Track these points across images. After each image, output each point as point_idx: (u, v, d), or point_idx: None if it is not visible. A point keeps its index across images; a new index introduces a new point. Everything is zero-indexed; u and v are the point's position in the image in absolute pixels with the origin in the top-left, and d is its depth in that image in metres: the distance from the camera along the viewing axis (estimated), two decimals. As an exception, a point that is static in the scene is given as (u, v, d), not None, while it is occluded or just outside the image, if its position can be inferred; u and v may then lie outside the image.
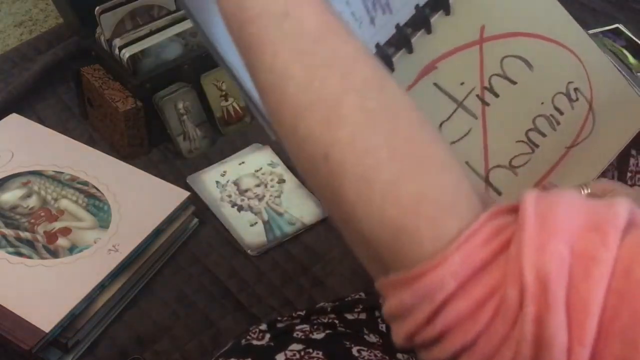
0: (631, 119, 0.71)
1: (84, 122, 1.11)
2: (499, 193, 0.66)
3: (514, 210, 0.38)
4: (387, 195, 0.38)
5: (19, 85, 1.10)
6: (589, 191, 0.66)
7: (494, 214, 0.38)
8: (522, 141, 0.67)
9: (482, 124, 0.66)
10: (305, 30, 0.42)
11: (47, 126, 1.04)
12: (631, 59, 0.99)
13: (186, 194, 0.94)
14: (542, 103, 0.67)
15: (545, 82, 0.68)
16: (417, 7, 0.64)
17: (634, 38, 1.06)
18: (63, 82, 1.15)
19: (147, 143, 1.06)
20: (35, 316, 0.77)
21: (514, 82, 0.67)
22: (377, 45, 0.64)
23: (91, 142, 1.06)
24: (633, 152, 0.69)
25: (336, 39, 0.42)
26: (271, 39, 0.42)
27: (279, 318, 0.72)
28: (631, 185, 0.71)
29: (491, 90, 0.66)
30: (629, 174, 0.71)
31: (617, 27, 1.09)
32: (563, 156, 0.68)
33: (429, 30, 0.66)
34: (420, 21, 0.65)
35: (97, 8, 1.03)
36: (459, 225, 0.37)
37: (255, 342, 0.68)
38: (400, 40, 0.64)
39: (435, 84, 0.66)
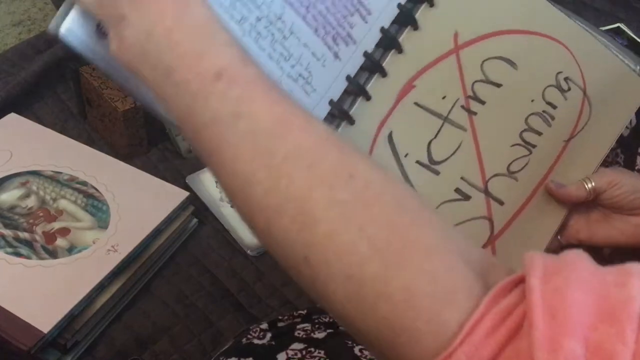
0: (629, 97, 0.68)
1: (83, 121, 1.10)
2: (501, 203, 0.64)
3: (518, 282, 0.35)
4: (376, 293, 0.36)
5: (18, 85, 1.10)
6: (593, 184, 0.65)
7: (496, 296, 0.35)
8: (518, 144, 0.64)
9: (472, 135, 0.63)
10: (261, 128, 0.40)
11: (45, 126, 1.04)
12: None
13: (185, 194, 0.93)
14: (533, 100, 0.65)
15: (532, 78, 0.65)
16: (382, 29, 0.62)
17: (635, 37, 1.06)
18: (62, 82, 1.15)
19: (146, 143, 1.05)
20: (33, 317, 0.76)
21: (499, 85, 0.64)
22: (348, 78, 0.61)
23: (90, 141, 1.06)
24: None
25: (294, 131, 0.40)
26: (228, 143, 0.40)
27: (279, 317, 0.71)
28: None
29: (476, 98, 0.63)
30: (635, 173, 0.70)
31: (619, 27, 1.09)
32: (562, 150, 0.66)
33: (399, 50, 0.62)
34: (388, 43, 0.62)
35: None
36: (459, 317, 0.34)
37: (256, 341, 0.68)
38: (372, 67, 0.62)
39: (416, 104, 0.63)
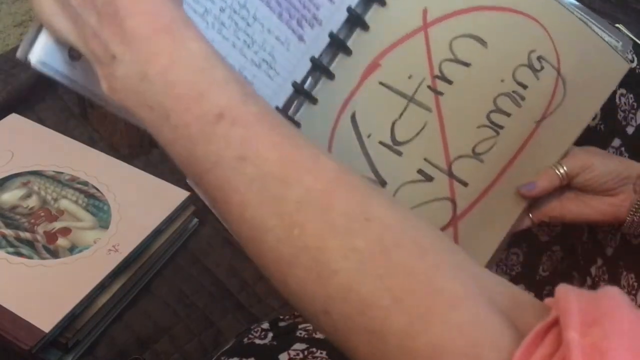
0: (608, 75, 0.65)
1: (84, 122, 1.10)
2: (465, 184, 0.63)
3: (550, 326, 0.32)
4: (401, 349, 0.34)
5: (19, 86, 1.10)
6: (565, 169, 0.63)
7: (528, 348, 0.32)
8: (485, 125, 0.62)
9: (438, 115, 0.62)
10: (268, 172, 0.37)
11: (47, 126, 1.04)
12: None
13: (186, 193, 0.94)
14: (502, 80, 0.62)
15: (502, 57, 0.62)
16: (349, 9, 0.60)
17: (635, 38, 1.06)
18: (63, 82, 1.15)
19: (147, 143, 1.06)
20: (35, 316, 0.77)
21: (467, 64, 0.61)
22: (312, 59, 0.60)
23: (91, 142, 1.06)
24: (624, 271, 0.67)
25: (303, 175, 0.37)
26: (235, 188, 0.37)
27: (281, 317, 0.71)
28: (604, 246, 0.67)
29: (443, 78, 0.61)
30: (601, 234, 0.68)
31: (618, 28, 1.09)
32: (533, 132, 0.63)
33: (365, 28, 0.60)
34: (354, 21, 0.60)
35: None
36: None
37: (257, 341, 0.68)
38: (336, 46, 0.60)
39: (381, 83, 0.61)
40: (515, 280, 0.75)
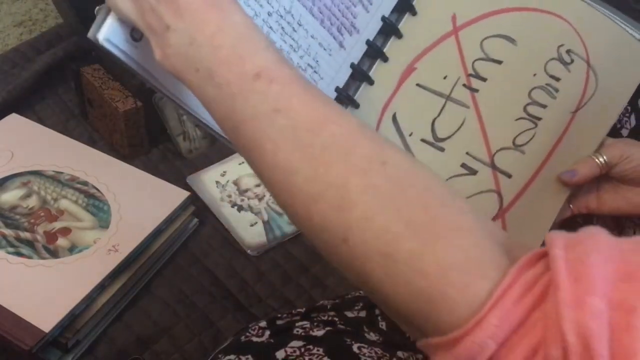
0: (635, 65, 0.68)
1: (84, 122, 1.11)
2: (509, 176, 0.65)
3: (541, 256, 0.37)
4: (412, 268, 0.38)
5: (19, 85, 1.10)
6: (605, 158, 0.65)
7: (522, 268, 0.37)
8: (522, 118, 0.65)
9: (475, 111, 0.65)
10: (299, 123, 0.42)
11: (47, 126, 1.04)
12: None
13: (186, 193, 0.94)
14: (535, 75, 0.65)
15: (532, 53, 0.66)
16: (383, 18, 0.65)
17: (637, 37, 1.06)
18: (63, 82, 1.15)
19: (147, 143, 1.06)
20: (35, 316, 0.77)
21: (500, 62, 0.65)
22: (352, 65, 0.64)
23: (91, 142, 1.06)
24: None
25: (330, 124, 0.43)
26: (268, 137, 0.43)
27: (278, 315, 0.71)
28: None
29: (477, 76, 0.65)
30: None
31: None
32: (570, 122, 0.66)
33: (399, 36, 0.66)
34: (388, 30, 0.65)
35: (97, 8, 1.02)
36: (489, 286, 0.37)
37: (255, 339, 0.68)
38: (374, 53, 0.65)
39: (418, 85, 0.65)
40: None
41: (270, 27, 0.57)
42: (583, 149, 0.66)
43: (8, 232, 0.86)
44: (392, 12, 0.66)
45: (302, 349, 0.63)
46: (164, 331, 0.85)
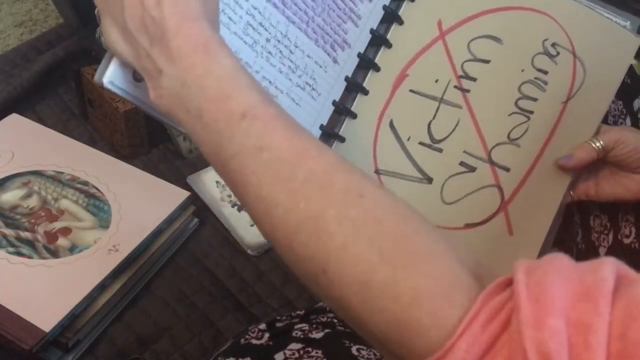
0: (622, 52, 0.70)
1: (84, 122, 1.11)
2: (507, 169, 0.66)
3: (509, 284, 0.39)
4: (386, 295, 0.40)
5: (19, 86, 1.10)
6: (601, 143, 0.66)
7: (490, 294, 0.39)
8: (515, 112, 0.67)
9: (469, 110, 0.67)
10: (282, 157, 0.45)
11: (47, 126, 1.04)
12: (632, 60, 0.99)
13: (186, 193, 0.94)
14: (523, 70, 0.67)
15: (519, 50, 0.68)
16: (372, 31, 0.67)
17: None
18: (63, 82, 1.15)
19: (147, 143, 1.06)
20: (35, 316, 0.77)
21: (487, 61, 0.67)
22: (346, 79, 0.66)
23: (91, 142, 1.06)
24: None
25: (309, 160, 0.45)
26: (252, 172, 0.45)
27: (278, 317, 0.72)
28: (597, 246, 0.70)
29: (467, 76, 0.67)
30: (594, 234, 0.70)
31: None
32: (562, 112, 0.68)
33: (389, 46, 0.68)
34: (378, 41, 0.67)
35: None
36: (459, 313, 0.38)
37: (254, 342, 0.68)
38: (366, 65, 0.67)
39: (411, 91, 0.67)
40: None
41: (269, 52, 0.60)
42: (578, 137, 0.68)
43: (8, 232, 0.87)
44: (380, 23, 0.68)
45: (301, 351, 0.63)
46: (164, 331, 0.85)
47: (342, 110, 0.66)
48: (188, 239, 0.95)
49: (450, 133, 0.67)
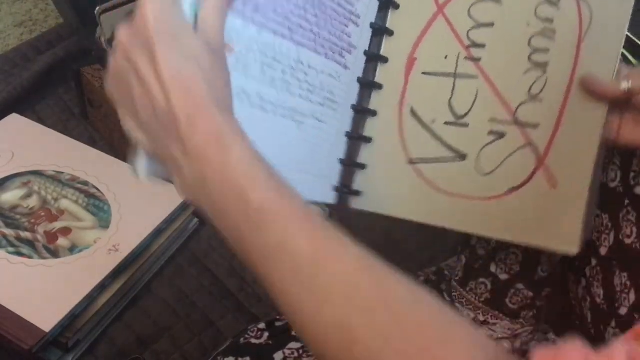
0: None
1: (84, 122, 1.11)
2: (535, 126, 0.66)
3: None
4: None
5: (19, 86, 1.10)
6: (629, 85, 0.64)
7: None
8: (530, 68, 0.66)
9: (484, 78, 0.66)
10: (302, 258, 0.44)
11: (47, 126, 1.04)
12: (631, 59, 0.99)
13: (186, 194, 0.94)
14: (528, 24, 0.66)
15: (519, 5, 0.67)
16: (371, 25, 0.66)
17: (634, 38, 1.06)
18: (63, 82, 1.15)
19: (147, 143, 1.06)
20: (35, 316, 0.77)
21: (491, 24, 0.66)
22: (359, 79, 0.66)
23: (91, 142, 1.06)
24: (617, 271, 0.68)
25: (332, 261, 0.44)
26: (275, 269, 0.44)
27: (277, 317, 0.72)
28: (598, 246, 0.69)
29: (475, 45, 0.66)
30: (595, 234, 0.70)
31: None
32: (577, 57, 0.66)
33: (390, 34, 0.67)
34: (379, 32, 0.67)
35: (98, 8, 1.02)
36: None
37: (253, 341, 0.68)
38: (373, 59, 0.67)
39: (424, 73, 0.67)
40: (514, 279, 0.75)
41: (288, 83, 0.59)
42: (605, 74, 0.66)
43: (8, 232, 0.87)
44: (378, 13, 0.66)
45: (300, 351, 0.63)
46: (164, 331, 0.85)
47: (362, 111, 0.66)
48: (188, 239, 0.95)
49: (472, 106, 0.66)
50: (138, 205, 0.91)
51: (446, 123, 0.66)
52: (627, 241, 0.66)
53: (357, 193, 0.67)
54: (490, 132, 0.66)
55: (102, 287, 0.83)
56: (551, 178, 0.66)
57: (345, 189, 0.67)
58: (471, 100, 0.66)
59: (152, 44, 0.46)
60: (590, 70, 0.66)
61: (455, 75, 0.66)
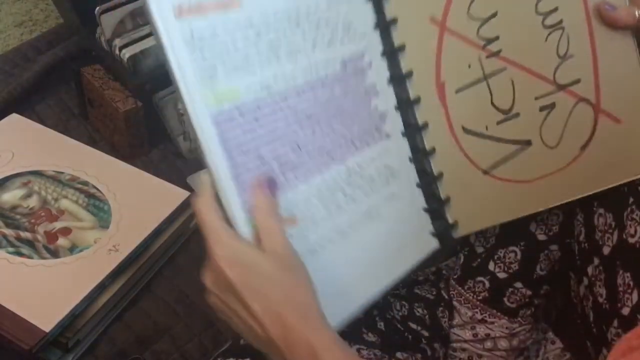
0: None
1: (84, 122, 1.11)
2: (578, 81, 0.67)
3: None
4: None
5: (20, 86, 1.10)
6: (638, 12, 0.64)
7: None
8: (549, 34, 0.67)
9: (513, 65, 0.67)
10: None
11: (47, 126, 1.04)
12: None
13: (186, 193, 0.94)
14: None
15: None
16: (389, 80, 0.66)
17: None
18: (63, 82, 1.15)
19: (148, 143, 1.06)
20: (35, 316, 0.77)
21: (495, 14, 0.67)
22: (403, 133, 0.67)
23: (91, 142, 1.06)
24: (620, 270, 0.69)
25: None
26: None
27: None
28: (601, 245, 0.69)
29: (489, 41, 0.67)
30: (598, 233, 0.70)
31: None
32: (585, 2, 0.66)
33: (410, 75, 0.67)
34: (400, 81, 0.67)
35: (98, 8, 1.03)
36: None
37: (254, 342, 0.68)
38: (408, 106, 0.67)
39: (457, 91, 0.68)
40: (512, 278, 0.75)
41: (352, 197, 0.60)
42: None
43: (8, 232, 0.87)
44: (388, 66, 0.66)
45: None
46: (164, 331, 0.85)
47: (421, 155, 0.68)
48: (188, 239, 0.95)
49: (514, 96, 0.67)
50: (138, 205, 0.91)
51: (498, 123, 0.68)
52: (631, 240, 0.66)
53: (454, 226, 0.70)
54: (542, 108, 0.67)
55: (102, 287, 0.83)
56: (612, 117, 0.66)
57: (442, 229, 0.69)
58: (510, 91, 0.67)
59: (234, 289, 0.51)
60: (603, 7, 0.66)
61: (485, 78, 0.67)
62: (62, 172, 0.95)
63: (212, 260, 0.52)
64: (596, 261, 0.70)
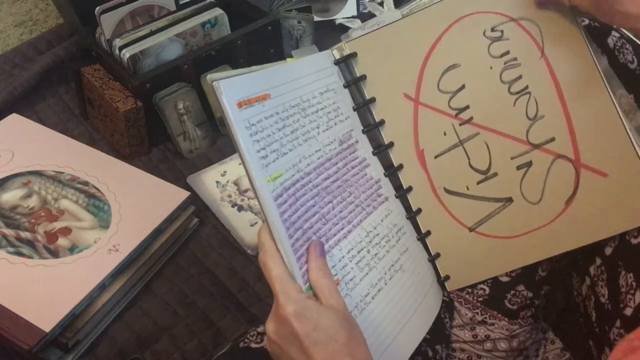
0: None
1: (84, 122, 1.11)
2: (552, 139, 0.69)
3: None
4: None
5: (20, 85, 1.10)
6: None
7: None
8: (516, 99, 0.69)
9: (486, 130, 0.70)
10: None
11: (47, 126, 1.05)
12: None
13: (186, 193, 0.94)
14: (491, 67, 0.69)
15: (474, 58, 0.70)
16: (374, 153, 0.70)
17: (634, 38, 1.06)
18: (63, 82, 1.15)
19: (147, 143, 1.06)
20: (35, 316, 0.77)
21: (462, 87, 0.70)
22: (396, 196, 0.70)
23: (91, 142, 1.06)
24: (622, 271, 0.69)
25: None
26: None
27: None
28: (603, 246, 0.71)
29: (460, 110, 0.70)
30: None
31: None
32: (547, 65, 0.69)
33: (391, 145, 0.71)
34: (383, 151, 0.71)
35: (98, 8, 1.03)
36: None
37: (253, 345, 0.68)
38: (393, 173, 0.71)
39: (436, 157, 0.71)
40: (514, 280, 0.75)
41: (374, 255, 0.65)
42: (573, 59, 0.69)
43: (8, 232, 0.87)
44: (370, 137, 0.70)
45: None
46: (164, 331, 0.85)
47: (413, 215, 0.72)
48: (188, 239, 0.95)
49: (490, 158, 0.71)
50: (138, 205, 0.91)
51: (478, 183, 0.71)
52: (634, 241, 0.66)
53: (447, 278, 0.74)
54: (519, 167, 0.70)
55: (102, 287, 0.83)
56: (596, 171, 0.69)
57: (439, 279, 0.74)
58: (486, 153, 0.71)
59: (299, 341, 0.53)
60: (565, 60, 0.69)
61: (461, 143, 0.71)
62: (62, 172, 0.95)
63: (279, 311, 0.54)
64: (598, 261, 0.70)
